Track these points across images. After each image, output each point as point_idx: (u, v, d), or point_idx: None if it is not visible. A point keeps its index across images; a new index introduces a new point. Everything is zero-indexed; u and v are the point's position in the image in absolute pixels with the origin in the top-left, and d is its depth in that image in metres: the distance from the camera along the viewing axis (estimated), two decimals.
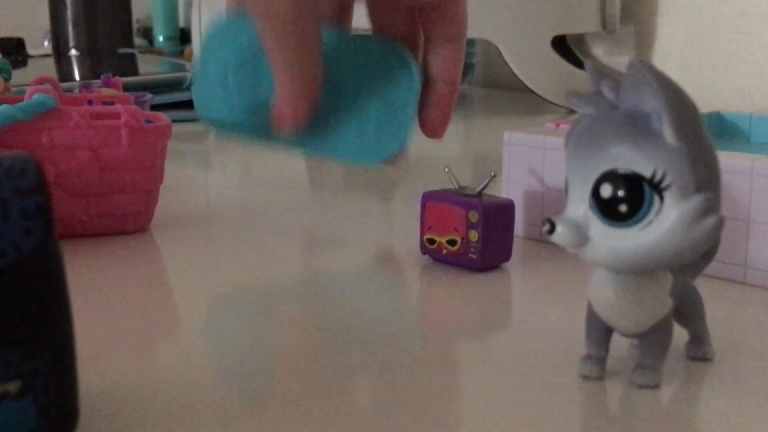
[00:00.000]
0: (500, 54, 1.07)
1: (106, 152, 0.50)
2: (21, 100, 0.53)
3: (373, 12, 0.39)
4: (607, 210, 0.28)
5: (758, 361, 0.34)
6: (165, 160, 0.53)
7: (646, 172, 0.27)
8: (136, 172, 0.51)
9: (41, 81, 0.55)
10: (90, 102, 0.57)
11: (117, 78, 0.67)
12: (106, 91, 0.63)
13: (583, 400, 0.31)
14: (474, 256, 0.44)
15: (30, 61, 1.37)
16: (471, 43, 1.37)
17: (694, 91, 0.30)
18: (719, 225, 0.28)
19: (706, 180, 0.28)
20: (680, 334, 0.33)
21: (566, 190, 0.30)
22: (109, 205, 0.51)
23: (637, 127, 0.28)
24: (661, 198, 0.27)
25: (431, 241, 0.46)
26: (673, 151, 0.27)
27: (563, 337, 0.36)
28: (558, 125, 0.53)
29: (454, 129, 1.06)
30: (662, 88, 0.27)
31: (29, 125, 0.48)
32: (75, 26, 1.24)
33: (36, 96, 0.48)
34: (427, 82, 0.39)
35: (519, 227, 0.50)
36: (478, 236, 0.44)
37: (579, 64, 1.10)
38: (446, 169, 0.46)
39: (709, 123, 0.54)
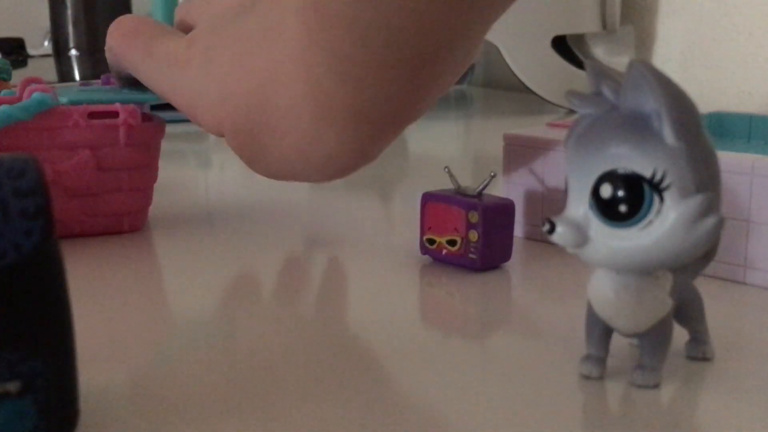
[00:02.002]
0: (500, 54, 1.07)
1: (104, 151, 0.50)
2: (13, 100, 0.53)
3: None
4: (607, 210, 0.28)
5: (758, 361, 0.34)
6: (159, 159, 0.53)
7: (646, 172, 0.27)
8: (134, 171, 0.51)
9: (29, 81, 0.54)
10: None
11: None
12: None
13: (583, 400, 0.31)
14: (474, 256, 0.44)
15: (30, 61, 1.36)
16: None
17: (694, 91, 0.30)
18: (719, 225, 0.28)
19: (706, 180, 0.28)
20: (680, 334, 0.33)
21: (566, 190, 0.30)
22: (106, 204, 0.51)
23: (637, 127, 0.28)
24: (661, 198, 0.27)
25: (431, 241, 0.46)
26: (673, 151, 0.27)
27: (563, 337, 0.36)
28: (558, 125, 0.53)
29: (454, 129, 1.06)
30: (662, 88, 0.27)
31: (28, 125, 0.48)
32: (75, 26, 1.24)
33: (35, 95, 0.48)
34: None
35: (519, 227, 0.50)
36: (478, 236, 0.44)
37: (579, 64, 1.10)
38: (446, 169, 0.46)
39: (709, 123, 0.54)
